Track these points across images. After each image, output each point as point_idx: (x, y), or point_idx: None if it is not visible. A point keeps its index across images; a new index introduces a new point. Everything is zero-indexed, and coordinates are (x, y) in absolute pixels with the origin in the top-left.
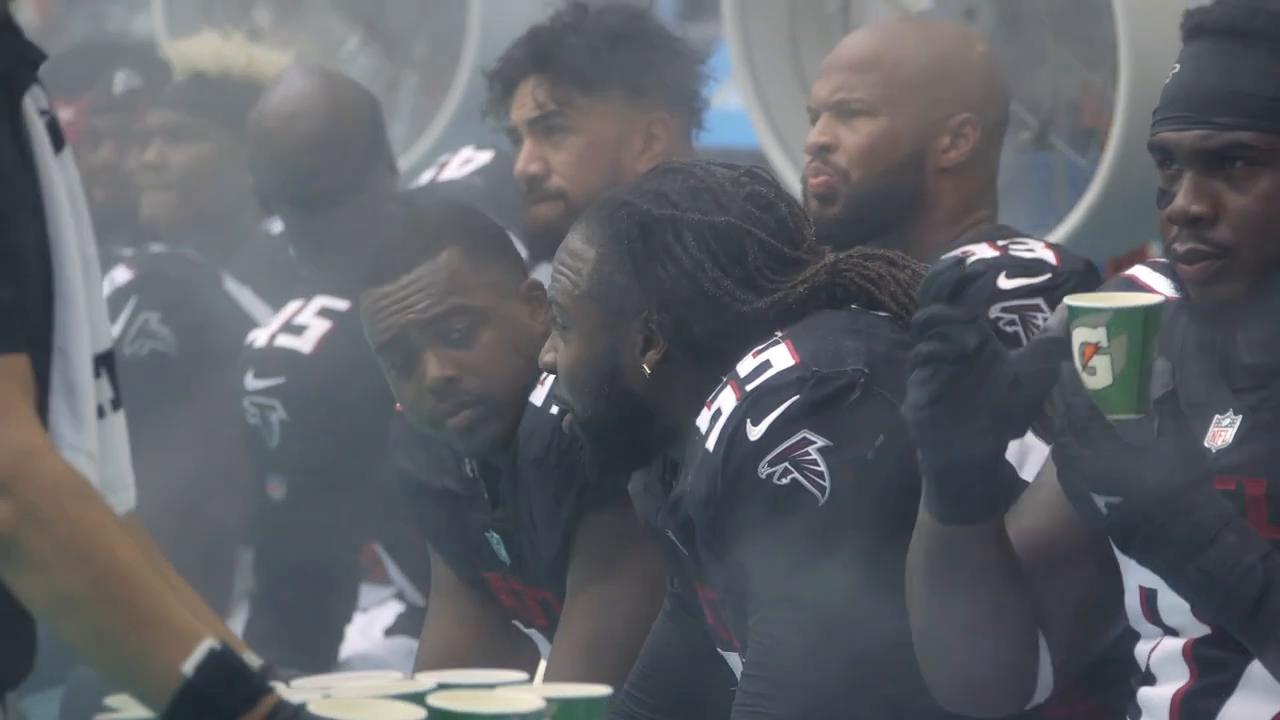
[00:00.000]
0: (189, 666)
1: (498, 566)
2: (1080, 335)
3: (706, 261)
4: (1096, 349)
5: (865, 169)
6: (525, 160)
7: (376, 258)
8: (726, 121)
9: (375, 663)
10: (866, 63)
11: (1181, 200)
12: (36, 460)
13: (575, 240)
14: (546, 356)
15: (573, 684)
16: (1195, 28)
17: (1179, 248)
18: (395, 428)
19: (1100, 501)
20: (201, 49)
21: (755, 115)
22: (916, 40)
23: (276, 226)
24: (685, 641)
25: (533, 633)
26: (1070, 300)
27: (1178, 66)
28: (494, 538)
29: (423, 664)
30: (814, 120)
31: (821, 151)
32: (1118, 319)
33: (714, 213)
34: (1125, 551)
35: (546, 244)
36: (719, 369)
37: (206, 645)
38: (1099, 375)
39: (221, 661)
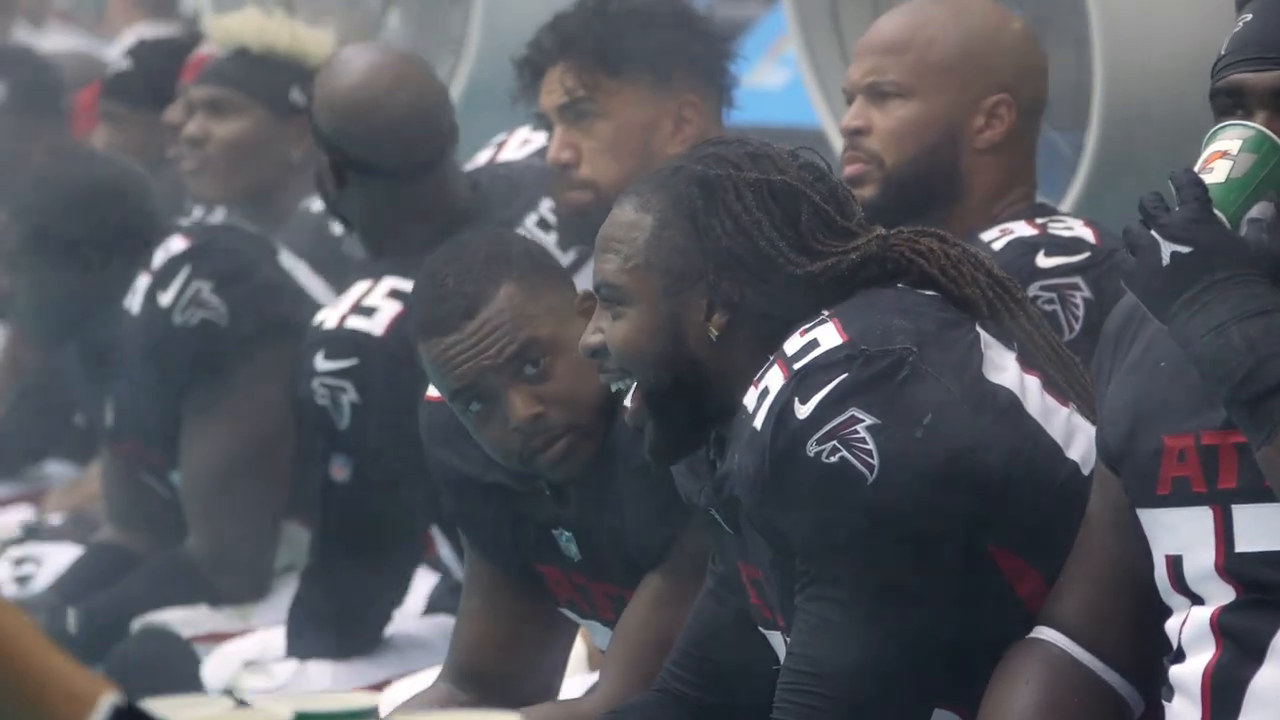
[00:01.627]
0: None
1: (559, 561)
2: (1215, 144)
3: (764, 220)
4: (1224, 154)
5: (898, 152)
6: (556, 148)
7: (432, 308)
8: (762, 100)
9: (418, 643)
10: (898, 45)
11: None
12: None
13: (626, 212)
14: (591, 339)
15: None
16: None
17: None
18: (430, 419)
19: (1167, 251)
20: (245, 25)
21: (814, 94)
22: (948, 20)
23: (316, 205)
24: (728, 620)
25: (592, 624)
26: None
27: (1249, 15)
28: (563, 535)
29: (458, 655)
30: (849, 103)
31: (855, 135)
32: (1257, 138)
33: (772, 172)
34: (1169, 311)
35: (577, 229)
36: (769, 337)
37: (109, 702)
38: (1215, 173)
39: (129, 717)
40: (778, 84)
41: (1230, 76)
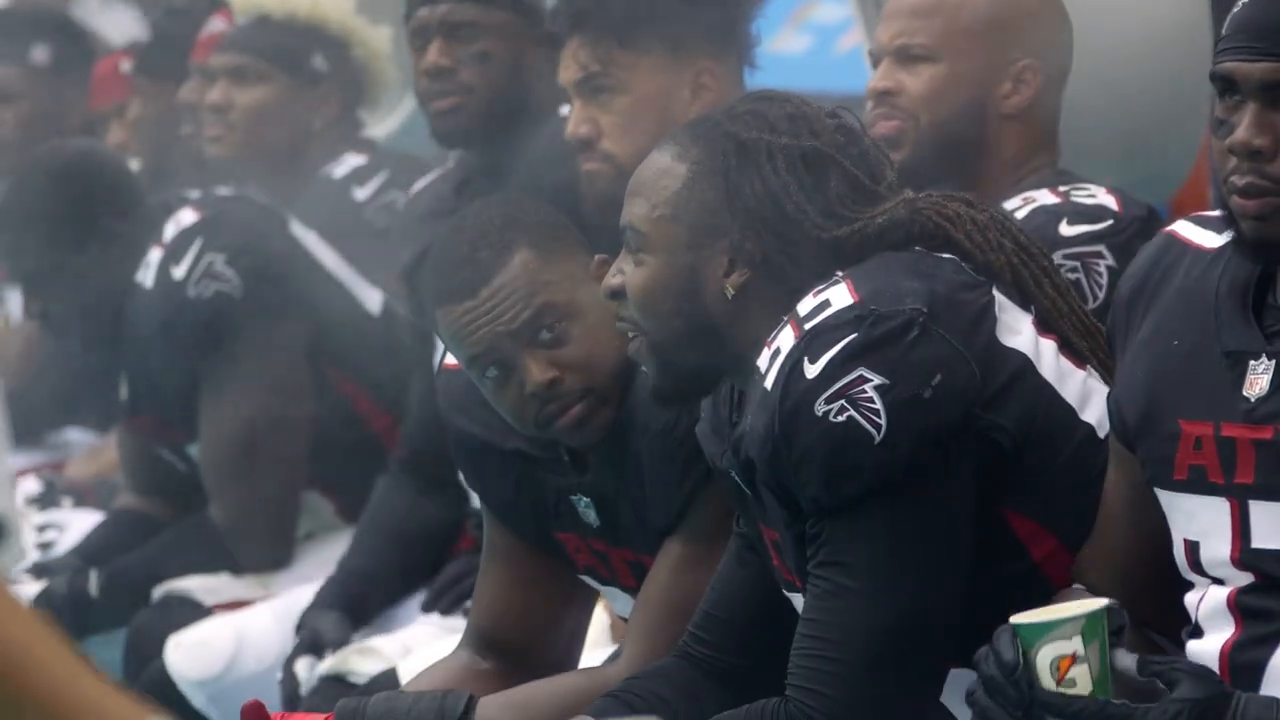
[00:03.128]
0: None
1: (578, 528)
2: (1052, 650)
3: (792, 185)
4: (1074, 658)
5: (930, 114)
6: (575, 122)
7: (447, 275)
8: (784, 66)
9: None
10: (927, 8)
11: (1243, 133)
12: None
13: (664, 158)
14: (613, 280)
15: None
16: None
17: (1237, 180)
18: (448, 386)
19: None
20: None
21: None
22: None
23: (339, 170)
24: (751, 583)
25: (612, 590)
26: (1023, 620)
27: None
28: (582, 500)
29: (478, 623)
30: (874, 65)
31: (884, 96)
32: (1090, 624)
33: (805, 137)
34: None
35: (598, 200)
36: (788, 298)
37: None
38: (1079, 685)
39: None
40: (799, 50)
41: (1222, 64)
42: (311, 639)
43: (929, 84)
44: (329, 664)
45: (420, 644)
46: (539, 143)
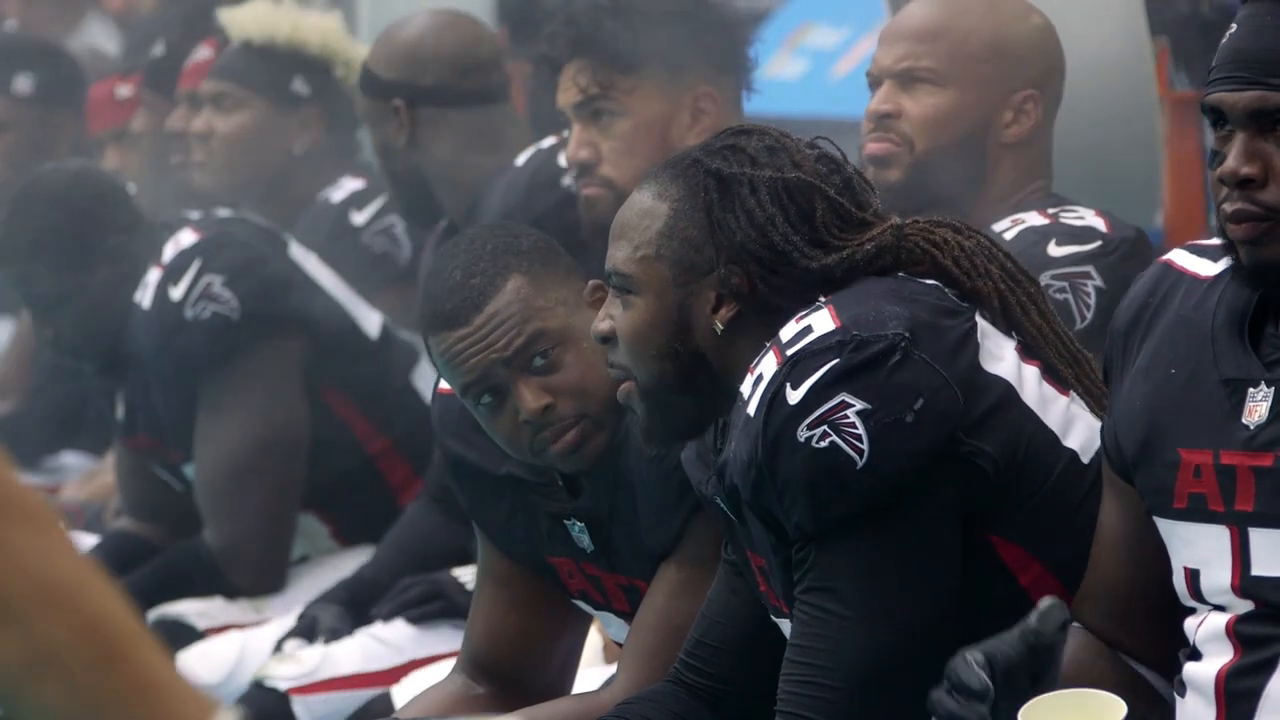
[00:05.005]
0: None
1: (571, 552)
2: None
3: (778, 216)
4: None
5: (929, 140)
6: (575, 146)
7: (440, 302)
8: (779, 91)
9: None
10: (933, 32)
11: (1232, 161)
12: None
13: (644, 198)
14: (601, 325)
15: None
16: None
17: (1228, 208)
18: (442, 411)
19: None
20: (249, 17)
21: None
22: (983, 12)
23: (337, 194)
24: (741, 609)
25: (605, 615)
26: (1031, 714)
27: (1235, 26)
28: (575, 525)
29: (473, 647)
30: (873, 87)
31: (884, 120)
32: None
33: (787, 169)
34: None
35: (596, 224)
36: (777, 329)
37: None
38: None
39: None
40: (795, 74)
41: (1211, 95)
42: (309, 624)
43: (932, 109)
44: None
45: (341, 652)
46: (508, 188)
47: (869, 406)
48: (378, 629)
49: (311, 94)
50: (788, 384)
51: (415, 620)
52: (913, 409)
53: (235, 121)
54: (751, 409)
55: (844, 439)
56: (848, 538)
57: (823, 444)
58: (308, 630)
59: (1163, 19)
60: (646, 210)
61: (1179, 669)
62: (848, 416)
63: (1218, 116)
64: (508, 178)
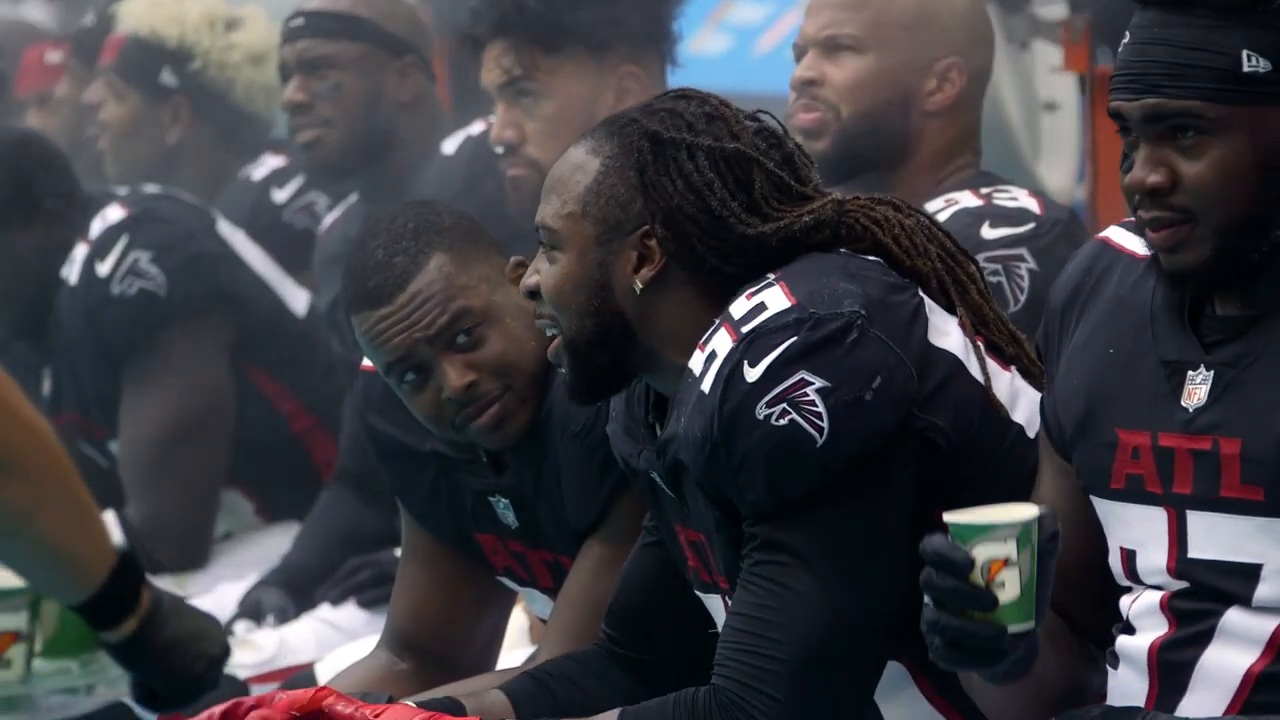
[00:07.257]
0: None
1: (496, 529)
2: (986, 551)
3: (716, 182)
4: (1005, 563)
5: (853, 105)
6: (500, 127)
7: (362, 281)
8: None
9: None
10: (857, 1)
11: (1138, 171)
12: None
13: (578, 153)
14: (529, 280)
15: None
16: None
17: (1143, 214)
18: (366, 389)
19: None
20: (135, 9)
21: None
22: None
23: (259, 172)
24: (661, 581)
25: (531, 592)
26: (959, 519)
27: (1128, 35)
28: (500, 502)
29: (396, 624)
30: (798, 57)
31: (807, 87)
32: (1026, 531)
33: (725, 139)
34: None
35: (522, 204)
36: (714, 292)
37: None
38: (1007, 589)
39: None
40: (718, 50)
41: (1111, 103)
42: (253, 607)
43: (854, 75)
44: None
45: (296, 639)
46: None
47: (829, 385)
48: (326, 612)
49: (179, 86)
50: (745, 361)
51: (367, 604)
52: (871, 387)
53: (117, 112)
54: (706, 386)
55: (804, 417)
56: (804, 514)
57: (781, 421)
58: (253, 612)
59: None
60: (578, 165)
61: (1112, 642)
62: (808, 394)
63: (1121, 123)
64: (438, 165)
